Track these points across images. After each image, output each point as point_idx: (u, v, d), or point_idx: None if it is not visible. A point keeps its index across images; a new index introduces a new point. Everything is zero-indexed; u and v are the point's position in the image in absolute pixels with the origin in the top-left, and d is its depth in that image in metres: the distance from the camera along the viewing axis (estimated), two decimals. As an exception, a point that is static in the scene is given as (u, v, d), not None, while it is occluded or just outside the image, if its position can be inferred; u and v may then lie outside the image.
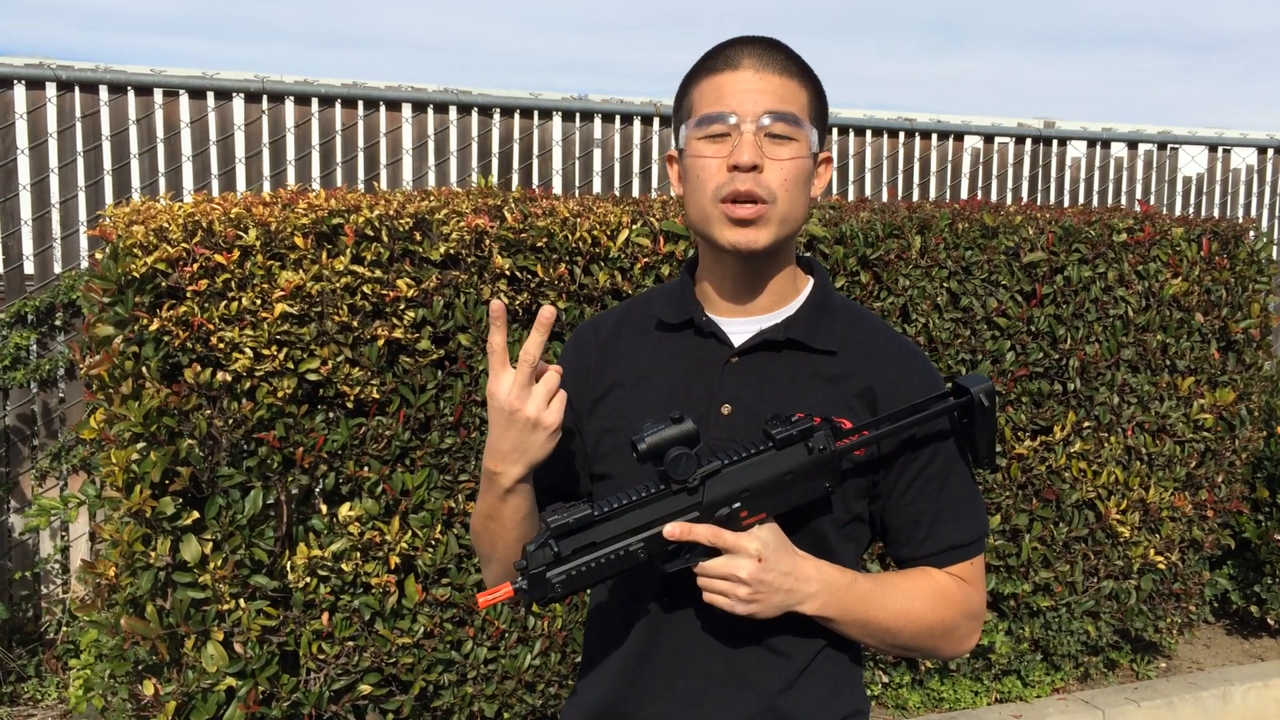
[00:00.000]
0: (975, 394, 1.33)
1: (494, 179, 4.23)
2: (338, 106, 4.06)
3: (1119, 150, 5.39)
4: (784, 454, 1.25)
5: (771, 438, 1.25)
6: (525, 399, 1.23)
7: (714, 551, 1.23)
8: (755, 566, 1.22)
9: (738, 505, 1.23)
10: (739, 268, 1.34)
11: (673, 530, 1.21)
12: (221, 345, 2.48)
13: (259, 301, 2.51)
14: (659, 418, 1.21)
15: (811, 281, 1.40)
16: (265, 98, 3.94)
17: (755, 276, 1.35)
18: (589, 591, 1.47)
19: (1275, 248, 5.60)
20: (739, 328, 1.35)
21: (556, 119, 4.35)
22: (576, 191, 4.37)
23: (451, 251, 2.69)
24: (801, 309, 1.36)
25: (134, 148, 3.81)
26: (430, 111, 4.18)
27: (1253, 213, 5.61)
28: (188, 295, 2.47)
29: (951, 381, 1.36)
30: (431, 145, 4.20)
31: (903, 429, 1.31)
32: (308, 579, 2.61)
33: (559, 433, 1.26)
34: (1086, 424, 3.55)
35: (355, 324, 2.59)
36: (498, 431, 1.26)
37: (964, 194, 5.09)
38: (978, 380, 1.34)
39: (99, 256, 2.56)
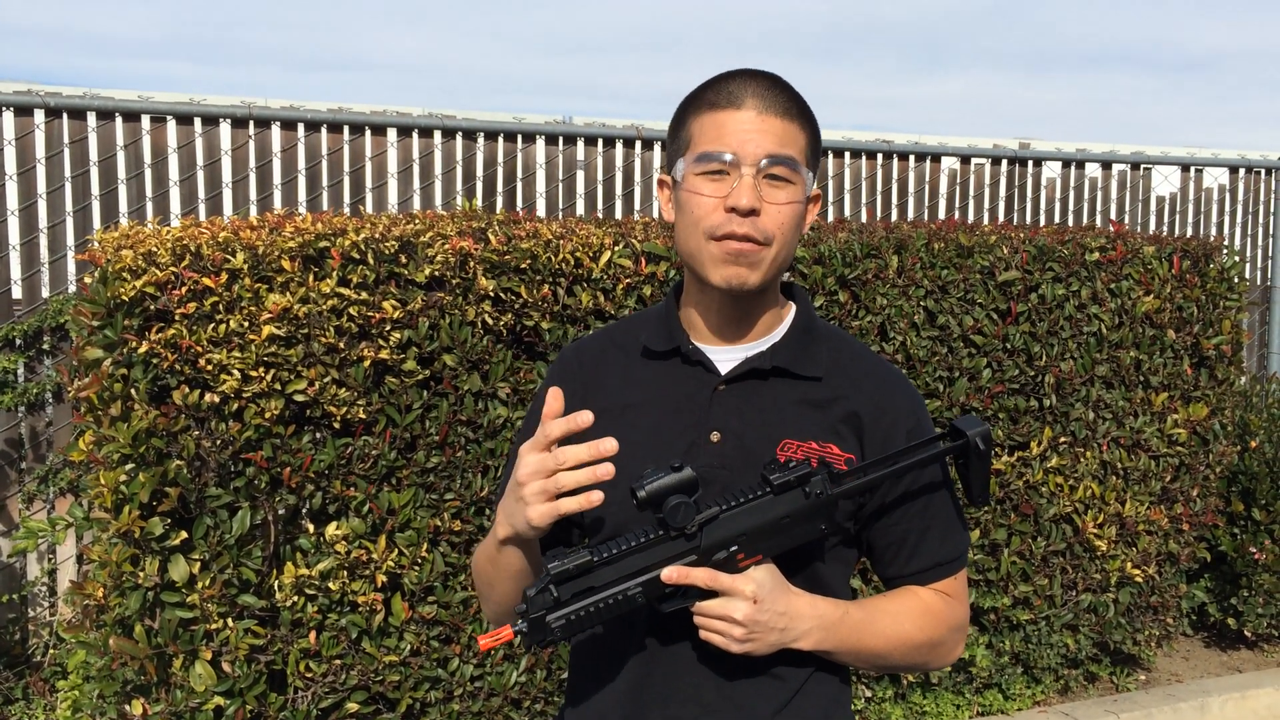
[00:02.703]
0: (971, 437, 1.35)
1: (478, 202, 4.28)
2: (323, 131, 4.10)
3: (1093, 170, 5.47)
4: (781, 498, 1.25)
5: (769, 483, 1.25)
6: (532, 479, 1.20)
7: (711, 592, 1.24)
8: (750, 608, 1.23)
9: (735, 549, 1.24)
10: (726, 302, 1.34)
11: (670, 575, 1.22)
12: (209, 367, 2.52)
13: (246, 324, 2.54)
14: (659, 465, 1.21)
15: (794, 308, 1.41)
16: (251, 123, 3.98)
17: (743, 311, 1.36)
18: None
19: (1247, 265, 5.69)
20: (725, 355, 1.37)
21: (540, 142, 4.41)
22: (560, 214, 4.42)
23: (436, 273, 2.73)
24: (786, 336, 1.38)
25: (121, 173, 3.85)
26: (415, 136, 4.23)
27: (1225, 231, 5.70)
28: (176, 318, 2.51)
29: (948, 424, 1.37)
30: (416, 169, 4.25)
31: (898, 473, 1.32)
32: (295, 598, 2.64)
33: (540, 530, 1.23)
34: (1063, 439, 3.60)
35: (341, 345, 2.63)
36: (508, 487, 1.26)
37: (941, 214, 5.17)
38: (973, 424, 1.36)
39: (88, 280, 2.59)
